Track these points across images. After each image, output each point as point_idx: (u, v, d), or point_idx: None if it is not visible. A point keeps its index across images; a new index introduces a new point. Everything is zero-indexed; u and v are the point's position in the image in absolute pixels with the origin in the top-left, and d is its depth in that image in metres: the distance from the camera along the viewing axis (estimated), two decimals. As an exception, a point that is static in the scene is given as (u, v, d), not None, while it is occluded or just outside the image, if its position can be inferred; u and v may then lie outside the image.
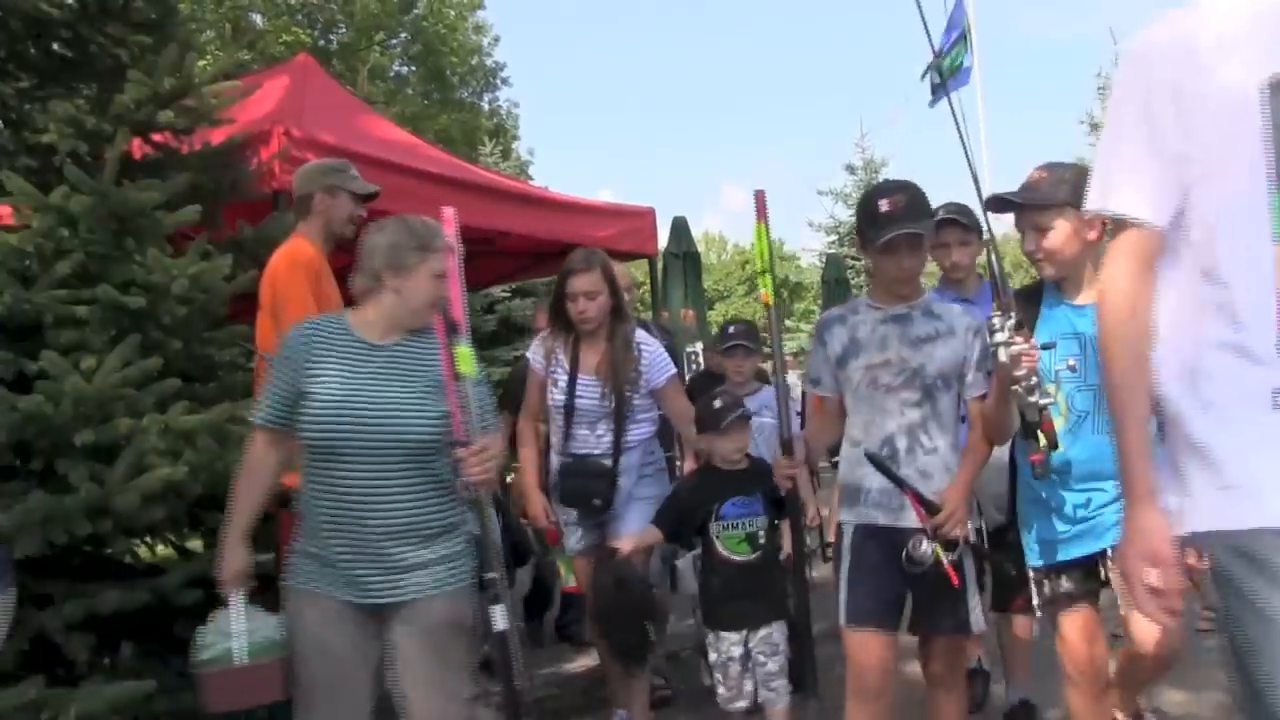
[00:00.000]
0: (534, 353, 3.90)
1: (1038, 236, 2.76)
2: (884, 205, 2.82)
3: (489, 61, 25.67)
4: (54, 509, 2.89)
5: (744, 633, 3.41)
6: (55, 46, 3.75)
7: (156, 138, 3.76)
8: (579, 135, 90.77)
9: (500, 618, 2.58)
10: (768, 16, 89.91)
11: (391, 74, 23.71)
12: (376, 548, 2.53)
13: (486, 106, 25.86)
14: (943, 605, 2.85)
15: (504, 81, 26.13)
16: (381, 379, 2.60)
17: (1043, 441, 2.64)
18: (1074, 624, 2.82)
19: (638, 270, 8.78)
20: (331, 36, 22.40)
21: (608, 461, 3.75)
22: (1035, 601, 2.87)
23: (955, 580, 2.77)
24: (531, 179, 20.23)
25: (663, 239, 9.52)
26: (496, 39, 25.88)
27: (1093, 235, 2.76)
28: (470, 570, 2.64)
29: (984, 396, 2.89)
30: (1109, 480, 2.69)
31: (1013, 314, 2.58)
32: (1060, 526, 2.81)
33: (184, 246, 3.50)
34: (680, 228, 10.21)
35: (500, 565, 2.65)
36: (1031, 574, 2.87)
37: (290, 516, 3.33)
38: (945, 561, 2.76)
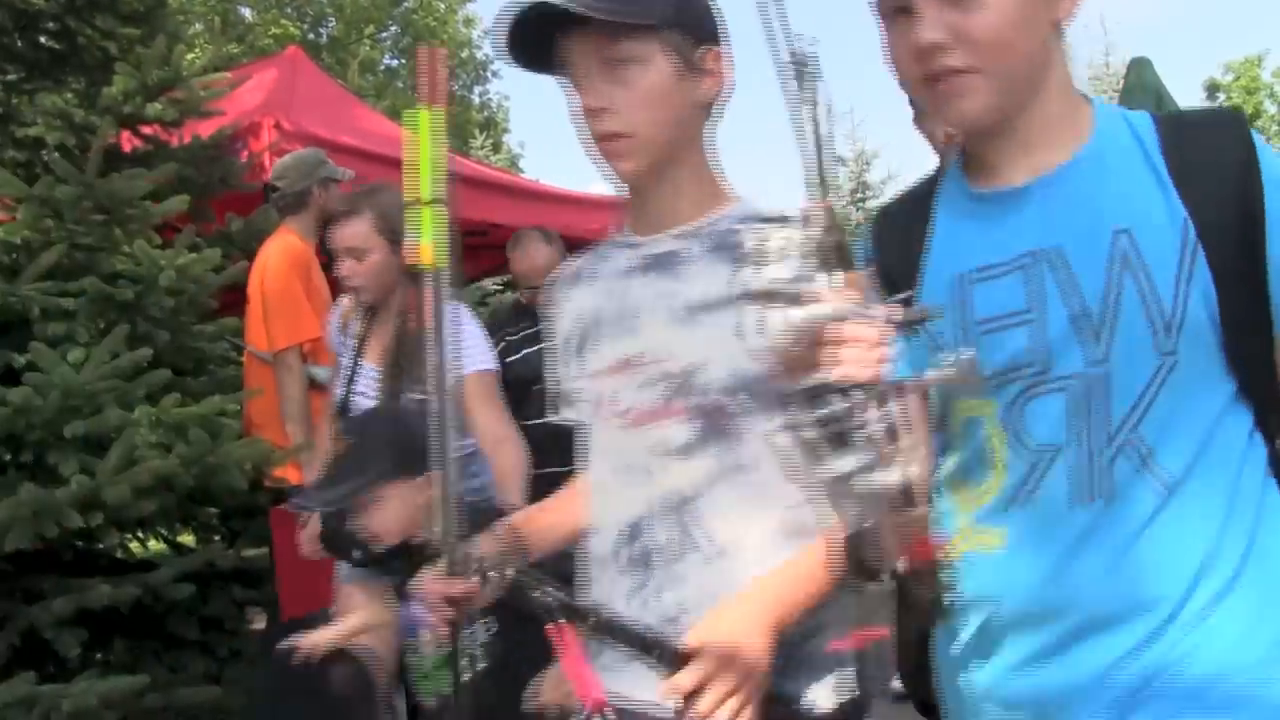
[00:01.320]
0: (330, 323, 2.95)
1: (952, 10, 1.08)
2: None
3: (479, 55, 25.60)
4: (44, 502, 2.87)
5: None
6: (43, 39, 3.72)
7: (145, 130, 3.74)
8: (570, 129, 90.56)
9: None
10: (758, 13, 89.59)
11: (381, 67, 23.62)
12: None
13: (477, 100, 25.77)
14: None
15: (494, 75, 26.07)
16: None
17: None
18: None
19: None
20: (321, 30, 22.31)
21: None
22: None
23: None
24: (523, 172, 20.21)
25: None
26: (486, 32, 25.83)
27: (1063, 8, 1.12)
28: None
29: None
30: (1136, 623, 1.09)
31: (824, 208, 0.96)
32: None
33: (172, 238, 3.49)
34: (672, 220, 10.21)
35: None
36: None
37: (282, 513, 3.33)
38: None
